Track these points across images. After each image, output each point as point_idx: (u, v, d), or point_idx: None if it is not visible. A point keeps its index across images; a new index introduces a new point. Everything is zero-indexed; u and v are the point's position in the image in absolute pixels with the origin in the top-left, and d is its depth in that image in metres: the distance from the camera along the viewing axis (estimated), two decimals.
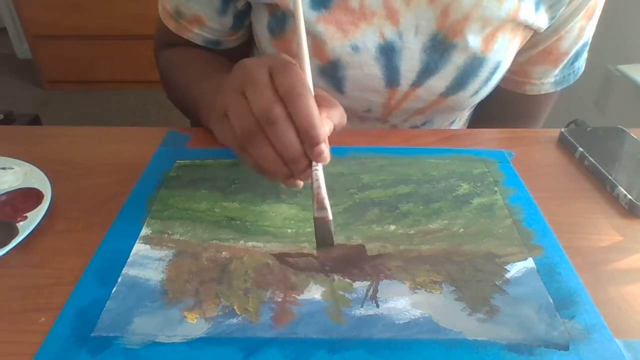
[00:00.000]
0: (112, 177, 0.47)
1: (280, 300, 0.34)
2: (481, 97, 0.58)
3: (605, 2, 0.56)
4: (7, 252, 0.37)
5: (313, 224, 0.36)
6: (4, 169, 0.46)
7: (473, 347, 0.31)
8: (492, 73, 0.55)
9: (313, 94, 0.36)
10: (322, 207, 0.36)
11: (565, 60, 0.58)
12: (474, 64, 0.53)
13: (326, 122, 0.37)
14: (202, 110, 0.53)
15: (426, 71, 0.53)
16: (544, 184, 0.47)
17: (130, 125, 0.56)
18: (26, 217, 0.40)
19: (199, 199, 0.44)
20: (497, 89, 0.62)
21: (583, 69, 0.62)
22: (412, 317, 0.33)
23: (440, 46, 0.52)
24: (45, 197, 0.42)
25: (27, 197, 0.42)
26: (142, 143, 0.52)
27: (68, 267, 0.37)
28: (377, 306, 0.34)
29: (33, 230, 0.39)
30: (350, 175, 0.47)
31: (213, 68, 0.55)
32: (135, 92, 2.32)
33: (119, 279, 0.35)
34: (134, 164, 0.48)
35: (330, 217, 0.36)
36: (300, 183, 0.39)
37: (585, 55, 0.61)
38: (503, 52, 0.54)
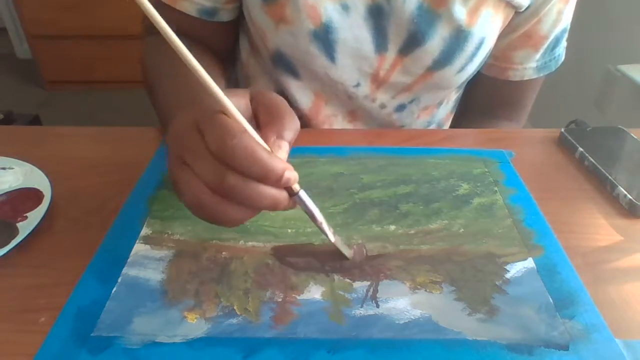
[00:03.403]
0: (112, 177, 0.47)
1: (280, 300, 0.34)
2: (467, 75, 0.58)
3: (607, 2, 0.57)
4: (7, 252, 0.37)
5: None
6: (4, 169, 0.45)
7: (473, 347, 0.31)
8: (477, 48, 0.56)
9: (247, 129, 0.31)
10: (323, 232, 0.35)
11: (546, 45, 0.60)
12: (460, 37, 0.54)
13: (282, 149, 0.32)
14: (161, 116, 0.52)
15: (413, 40, 0.54)
16: (544, 184, 0.47)
17: (130, 125, 0.56)
18: (26, 217, 0.40)
19: None
20: (482, 77, 0.64)
21: (563, 57, 0.63)
22: (412, 317, 0.33)
23: (426, 15, 0.53)
24: (45, 197, 0.42)
25: (27, 197, 0.42)
26: (142, 143, 0.52)
27: (68, 267, 0.37)
28: (377, 306, 0.34)
29: (33, 230, 0.39)
30: (350, 175, 0.47)
31: (178, 73, 0.53)
32: (135, 92, 2.32)
33: (119, 279, 0.35)
34: (134, 164, 0.48)
35: (332, 239, 0.36)
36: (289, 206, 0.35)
37: (564, 42, 0.62)
38: (487, 28, 0.55)
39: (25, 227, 0.39)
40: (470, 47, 0.55)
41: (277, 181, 0.31)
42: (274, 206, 0.32)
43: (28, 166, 0.46)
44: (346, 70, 0.57)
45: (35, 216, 0.40)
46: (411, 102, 0.61)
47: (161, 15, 0.61)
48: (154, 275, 0.36)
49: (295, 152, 0.50)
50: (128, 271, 0.36)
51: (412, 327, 0.32)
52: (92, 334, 0.31)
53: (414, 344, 0.31)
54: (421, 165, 0.49)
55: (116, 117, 2.17)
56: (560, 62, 0.63)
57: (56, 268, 0.37)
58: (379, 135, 0.55)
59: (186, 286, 0.35)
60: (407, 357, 0.30)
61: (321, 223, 0.35)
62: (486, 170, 0.48)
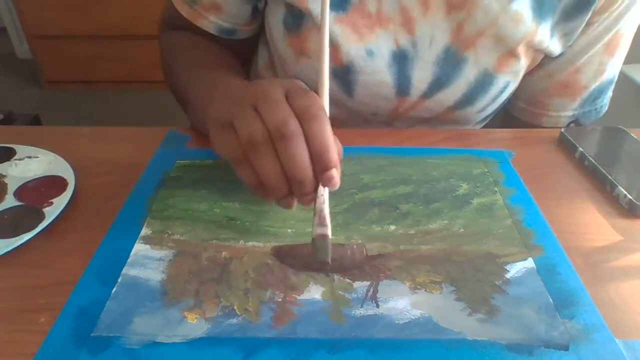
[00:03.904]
0: (112, 177, 0.47)
1: (280, 300, 0.34)
2: (487, 114, 0.58)
3: None
4: (35, 236, 0.38)
5: (311, 240, 0.35)
6: (29, 157, 0.47)
7: (473, 347, 0.31)
8: (501, 92, 0.55)
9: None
10: (323, 224, 0.34)
11: (585, 95, 0.58)
12: (485, 81, 0.53)
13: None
14: (188, 106, 0.53)
15: (437, 83, 0.53)
16: (544, 184, 0.47)
17: (130, 125, 0.57)
18: (52, 202, 0.41)
19: (199, 199, 0.44)
20: (515, 121, 0.63)
21: (607, 107, 0.61)
22: (412, 317, 0.33)
23: (452, 59, 0.52)
24: (69, 184, 0.44)
25: (52, 184, 0.44)
26: (142, 143, 0.52)
27: (68, 267, 0.37)
28: (377, 306, 0.34)
29: (58, 215, 0.40)
30: (350, 175, 0.47)
31: (211, 64, 0.55)
32: (135, 92, 2.32)
33: (119, 279, 0.35)
34: (134, 164, 0.48)
35: (330, 234, 0.35)
36: (294, 205, 0.37)
37: (610, 94, 0.60)
38: (514, 74, 0.54)
39: (50, 212, 0.40)
40: (494, 90, 0.54)
41: (325, 166, 0.33)
42: (301, 181, 0.33)
43: (52, 155, 0.48)
44: (364, 104, 0.57)
45: (60, 202, 0.42)
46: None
47: (180, 23, 0.64)
48: (154, 275, 0.36)
49: None
50: (128, 271, 0.36)
51: (412, 327, 0.32)
52: (92, 334, 0.31)
53: (414, 344, 0.31)
54: (421, 165, 0.49)
55: (116, 117, 2.17)
56: (602, 113, 0.61)
57: (56, 268, 0.37)
58: (379, 135, 0.55)
59: (186, 286, 0.35)
60: (407, 357, 0.30)
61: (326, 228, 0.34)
62: (486, 170, 0.48)
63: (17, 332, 0.32)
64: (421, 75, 0.53)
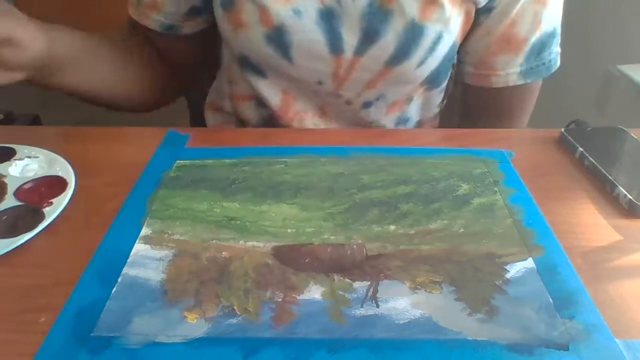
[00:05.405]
0: (112, 177, 0.47)
1: (280, 300, 0.34)
2: (429, 69, 0.57)
3: (606, 2, 0.56)
4: (35, 236, 0.38)
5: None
6: (29, 157, 0.48)
7: (473, 347, 0.31)
8: (436, 43, 0.55)
9: None
10: None
11: (527, 49, 0.58)
12: (415, 32, 0.53)
13: None
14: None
15: (367, 38, 0.54)
16: (544, 184, 0.47)
17: (130, 125, 0.57)
18: (51, 202, 0.42)
19: (199, 199, 0.44)
20: (472, 89, 0.63)
21: (558, 63, 0.61)
22: (412, 317, 0.33)
23: (378, 12, 0.53)
24: (69, 184, 0.44)
25: (52, 184, 0.44)
26: (142, 143, 0.52)
27: (68, 267, 0.37)
28: (377, 306, 0.34)
29: (58, 215, 0.40)
30: (350, 175, 0.47)
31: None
32: None
33: (119, 279, 0.35)
34: (134, 164, 0.48)
35: None
36: None
37: (555, 48, 0.60)
38: (444, 22, 0.54)
39: (50, 212, 0.40)
40: (426, 41, 0.54)
41: None
42: None
43: (53, 155, 0.48)
44: (305, 70, 0.57)
45: (60, 202, 0.42)
46: (377, 99, 0.60)
47: (137, 28, 0.67)
48: (154, 275, 0.36)
49: (296, 152, 0.50)
50: (128, 271, 0.36)
51: (412, 327, 0.32)
52: (92, 334, 0.31)
53: (414, 344, 0.31)
54: (421, 165, 0.49)
55: (116, 117, 2.17)
56: (553, 68, 0.60)
57: (56, 268, 0.37)
58: (379, 135, 0.55)
59: (186, 286, 0.35)
60: (407, 357, 0.30)
61: None
62: (486, 170, 0.48)
63: (17, 332, 0.32)
64: (351, 31, 0.54)
